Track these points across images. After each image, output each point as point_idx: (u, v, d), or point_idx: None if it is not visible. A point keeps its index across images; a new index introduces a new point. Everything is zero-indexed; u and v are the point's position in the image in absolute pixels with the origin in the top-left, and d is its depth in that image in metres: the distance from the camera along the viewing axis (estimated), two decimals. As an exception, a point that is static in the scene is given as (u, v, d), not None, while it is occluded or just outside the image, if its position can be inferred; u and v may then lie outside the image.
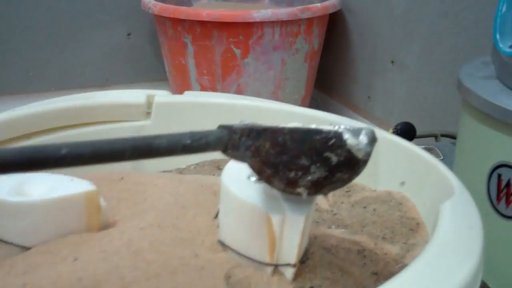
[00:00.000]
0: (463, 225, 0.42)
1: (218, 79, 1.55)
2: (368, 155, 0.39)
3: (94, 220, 0.46)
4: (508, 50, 0.63)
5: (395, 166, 0.58)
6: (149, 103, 0.68)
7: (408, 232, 0.53)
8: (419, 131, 1.20)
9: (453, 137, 1.21)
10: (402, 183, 0.58)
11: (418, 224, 0.54)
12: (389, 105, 1.53)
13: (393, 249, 0.50)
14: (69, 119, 0.64)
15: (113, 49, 1.91)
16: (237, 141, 0.39)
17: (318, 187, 0.40)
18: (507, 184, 0.66)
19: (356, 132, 0.40)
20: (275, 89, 1.59)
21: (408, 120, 1.26)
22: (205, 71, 1.55)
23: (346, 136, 0.39)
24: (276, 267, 0.43)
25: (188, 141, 0.37)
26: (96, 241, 0.44)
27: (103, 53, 1.90)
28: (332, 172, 0.39)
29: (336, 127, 0.41)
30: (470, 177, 0.73)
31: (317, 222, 0.54)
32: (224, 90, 1.55)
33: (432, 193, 0.53)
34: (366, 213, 0.56)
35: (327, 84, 1.84)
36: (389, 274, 0.47)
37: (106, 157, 0.35)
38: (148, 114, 0.68)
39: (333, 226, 0.54)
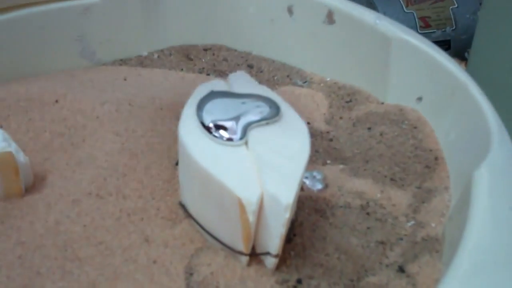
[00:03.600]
0: (505, 208, 0.31)
1: None
2: None
3: (13, 184, 0.35)
4: None
5: (412, 76, 0.45)
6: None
7: (424, 170, 0.42)
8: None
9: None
10: (419, 99, 0.45)
11: (436, 159, 0.42)
12: None
13: (403, 198, 0.40)
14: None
15: None
16: None
17: None
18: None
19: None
20: None
21: None
22: None
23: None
24: (253, 255, 0.33)
25: None
26: (13, 221, 0.33)
27: None
28: None
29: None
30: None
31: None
32: None
33: (459, 121, 0.41)
34: (371, 140, 0.44)
35: None
36: (397, 241, 0.37)
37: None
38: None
39: (328, 161, 0.43)
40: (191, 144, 0.33)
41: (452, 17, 0.91)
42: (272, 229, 0.31)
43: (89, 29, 0.52)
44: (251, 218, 0.31)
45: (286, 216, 0.30)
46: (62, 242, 0.32)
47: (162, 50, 0.55)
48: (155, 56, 0.55)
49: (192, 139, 0.33)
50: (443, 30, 0.90)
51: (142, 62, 0.54)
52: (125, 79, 0.48)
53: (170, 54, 0.55)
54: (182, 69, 0.53)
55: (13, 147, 0.34)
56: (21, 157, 0.35)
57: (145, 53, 0.55)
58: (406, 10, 0.89)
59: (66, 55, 0.52)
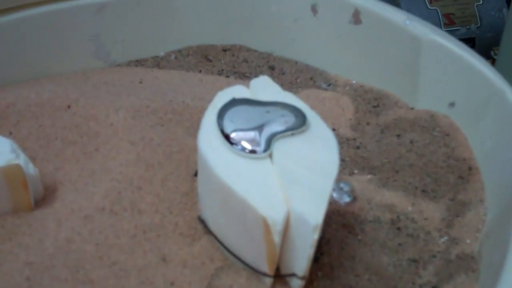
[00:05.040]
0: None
1: None
2: None
3: (21, 198, 0.33)
4: None
5: (444, 80, 0.43)
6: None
7: (457, 181, 0.39)
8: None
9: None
10: (451, 105, 0.43)
11: (470, 169, 0.40)
12: None
13: (436, 212, 0.37)
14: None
15: None
16: None
17: None
18: None
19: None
20: None
21: None
22: None
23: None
24: (277, 276, 0.31)
25: None
26: (22, 238, 0.31)
27: None
28: None
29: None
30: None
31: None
32: None
33: (495, 129, 0.39)
34: (401, 148, 0.42)
35: None
36: (430, 259, 0.34)
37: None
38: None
39: (356, 170, 0.40)
40: (211, 156, 0.30)
41: (477, 14, 0.88)
42: (299, 250, 0.29)
43: (103, 28, 0.50)
44: (277, 239, 0.28)
45: (314, 237, 0.28)
46: (73, 263, 0.30)
47: (179, 51, 0.53)
48: (172, 57, 0.53)
49: (212, 151, 0.31)
50: (467, 27, 0.87)
51: (158, 63, 0.52)
52: (140, 82, 0.46)
53: (188, 55, 0.53)
54: (200, 71, 0.50)
55: (22, 159, 0.32)
56: (31, 169, 0.33)
57: (161, 54, 0.53)
58: (429, 7, 0.86)
59: (79, 56, 0.50)
